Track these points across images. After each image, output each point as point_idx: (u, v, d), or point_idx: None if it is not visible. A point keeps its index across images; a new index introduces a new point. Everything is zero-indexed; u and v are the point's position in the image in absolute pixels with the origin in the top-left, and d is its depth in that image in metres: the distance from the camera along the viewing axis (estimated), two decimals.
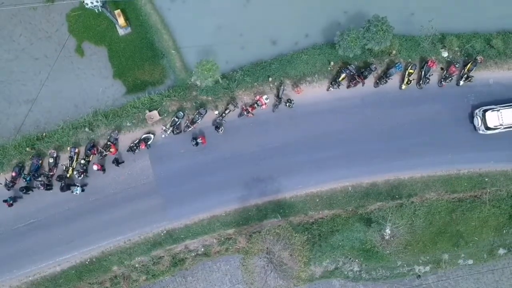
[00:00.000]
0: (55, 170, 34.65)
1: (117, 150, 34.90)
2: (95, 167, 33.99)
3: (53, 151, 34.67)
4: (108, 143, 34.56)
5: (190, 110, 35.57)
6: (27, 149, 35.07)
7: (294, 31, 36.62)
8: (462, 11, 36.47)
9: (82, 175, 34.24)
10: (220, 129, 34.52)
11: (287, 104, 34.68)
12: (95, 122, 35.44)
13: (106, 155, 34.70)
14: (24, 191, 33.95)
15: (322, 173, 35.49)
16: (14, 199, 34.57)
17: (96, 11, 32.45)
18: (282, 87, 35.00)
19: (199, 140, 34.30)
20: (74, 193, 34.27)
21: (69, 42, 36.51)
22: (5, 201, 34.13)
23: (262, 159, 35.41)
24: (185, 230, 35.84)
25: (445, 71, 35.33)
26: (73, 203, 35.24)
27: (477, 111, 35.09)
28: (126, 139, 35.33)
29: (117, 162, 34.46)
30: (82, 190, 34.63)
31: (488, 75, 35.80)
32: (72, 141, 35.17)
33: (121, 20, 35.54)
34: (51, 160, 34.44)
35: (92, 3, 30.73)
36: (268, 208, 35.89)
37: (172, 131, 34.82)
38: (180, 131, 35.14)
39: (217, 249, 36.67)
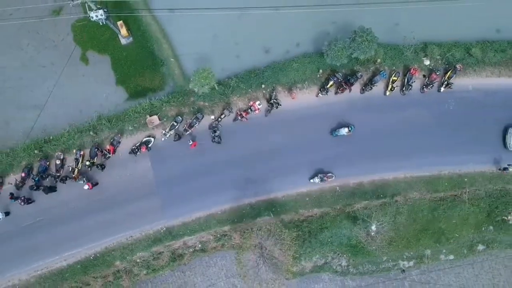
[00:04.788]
0: (61, 171, 36.70)
1: (115, 151, 36.85)
2: (86, 187, 35.96)
3: (59, 153, 36.75)
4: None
5: (188, 115, 37.59)
6: (35, 151, 37.13)
7: (286, 40, 38.58)
8: (443, 21, 38.17)
9: (84, 178, 36.25)
10: (217, 133, 36.39)
11: (275, 106, 36.45)
12: (99, 126, 37.50)
13: (109, 157, 36.73)
14: (35, 188, 36.02)
15: (312, 174, 37.22)
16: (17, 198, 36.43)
17: (101, 24, 34.48)
18: (274, 93, 37.01)
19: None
20: None
21: (74, 51, 38.46)
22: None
23: (255, 161, 37.24)
24: (183, 227, 37.61)
25: (426, 78, 37.22)
26: (79, 203, 37.17)
27: (510, 129, 36.75)
28: (128, 142, 37.33)
29: (100, 167, 36.51)
30: (6, 215, 36.44)
31: (467, 82, 37.63)
32: (78, 144, 37.22)
33: (123, 31, 37.62)
34: (58, 162, 36.50)
35: (97, 16, 32.93)
36: (261, 207, 37.65)
37: (173, 138, 36.75)
38: (180, 138, 37.00)
39: (213, 245, 38.26)
